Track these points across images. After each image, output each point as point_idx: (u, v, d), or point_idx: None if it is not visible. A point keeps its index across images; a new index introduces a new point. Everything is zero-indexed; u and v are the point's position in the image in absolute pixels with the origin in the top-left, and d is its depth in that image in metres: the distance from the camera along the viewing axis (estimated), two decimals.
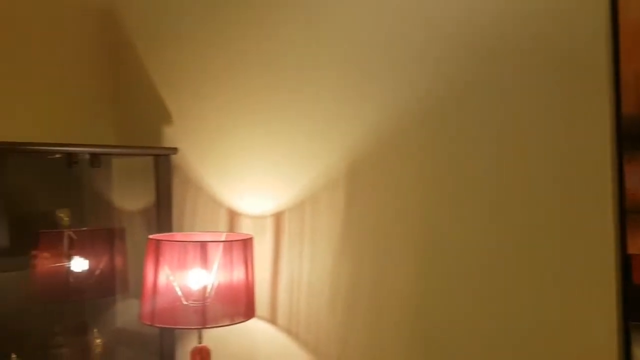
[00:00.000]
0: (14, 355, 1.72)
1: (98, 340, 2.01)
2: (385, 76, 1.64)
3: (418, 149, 1.59)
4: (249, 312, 1.69)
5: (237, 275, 1.66)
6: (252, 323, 1.80)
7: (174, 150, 2.07)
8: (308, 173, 1.78)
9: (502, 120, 1.47)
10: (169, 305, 1.64)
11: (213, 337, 1.81)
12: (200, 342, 1.73)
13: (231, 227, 1.96)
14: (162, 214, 2.03)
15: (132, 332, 2.12)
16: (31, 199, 2.01)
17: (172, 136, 2.12)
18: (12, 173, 1.87)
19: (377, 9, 1.65)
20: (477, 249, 1.51)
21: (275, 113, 1.85)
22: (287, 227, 1.83)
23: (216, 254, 1.64)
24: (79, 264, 2.00)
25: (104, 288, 2.08)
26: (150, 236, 1.71)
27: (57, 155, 1.82)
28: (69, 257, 1.99)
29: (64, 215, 1.99)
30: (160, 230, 2.00)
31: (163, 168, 2.05)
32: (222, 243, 1.68)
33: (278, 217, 1.85)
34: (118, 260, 2.09)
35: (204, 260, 1.63)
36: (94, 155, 1.87)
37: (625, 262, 1.35)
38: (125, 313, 2.15)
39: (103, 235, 2.10)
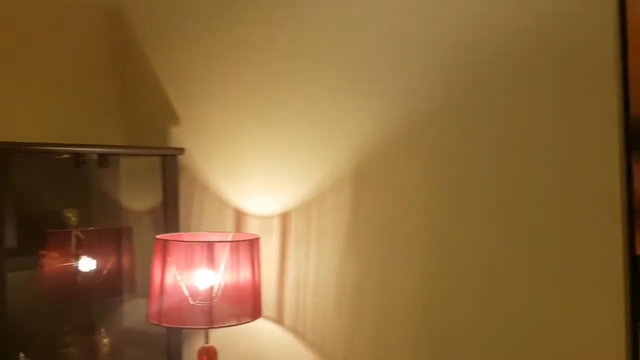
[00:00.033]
0: (22, 355, 1.73)
1: (105, 340, 2.02)
2: (391, 77, 1.64)
3: (424, 149, 1.59)
4: (255, 312, 1.70)
5: (244, 275, 1.66)
6: (259, 323, 1.81)
7: (181, 150, 2.07)
8: (314, 173, 1.78)
9: (507, 120, 1.46)
10: (176, 305, 1.64)
11: (220, 337, 1.81)
12: (207, 342, 1.73)
13: (238, 227, 1.96)
14: (169, 214, 2.04)
15: (140, 331, 2.13)
16: (39, 199, 2.01)
17: (179, 136, 2.12)
18: (20, 173, 1.88)
19: (384, 10, 1.65)
20: (483, 250, 1.50)
21: (282, 113, 1.85)
22: (293, 228, 1.83)
23: (223, 254, 1.64)
24: (86, 264, 2.01)
25: (112, 288, 2.08)
26: (158, 236, 1.72)
27: (65, 156, 1.83)
28: (76, 257, 1.99)
29: (71, 215, 2.00)
30: (167, 230, 2.01)
31: (170, 168, 2.05)
32: (229, 243, 1.68)
33: (285, 217, 1.85)
34: (125, 260, 2.09)
35: (211, 260, 1.63)
36: (101, 156, 1.88)
37: (633, 263, 1.34)
38: (133, 313, 2.16)
39: (111, 235, 2.11)
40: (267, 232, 1.88)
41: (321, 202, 1.77)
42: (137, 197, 2.20)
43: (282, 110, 1.85)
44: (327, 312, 1.76)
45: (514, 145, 1.46)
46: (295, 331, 1.83)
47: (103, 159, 1.88)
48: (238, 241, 1.69)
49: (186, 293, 1.64)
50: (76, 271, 1.99)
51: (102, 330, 2.03)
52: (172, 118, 2.14)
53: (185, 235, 1.88)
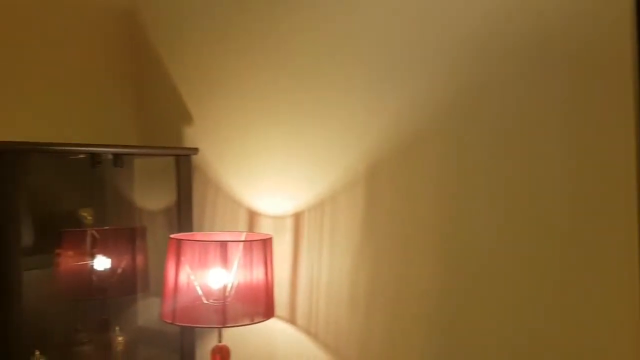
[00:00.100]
0: (37, 352, 1.75)
1: (120, 338, 2.03)
2: (403, 78, 1.64)
3: (436, 150, 1.59)
4: (268, 311, 1.70)
5: (257, 275, 1.67)
6: (272, 323, 1.81)
7: (195, 150, 2.08)
8: (327, 174, 1.79)
9: (521, 120, 1.46)
10: (189, 304, 1.65)
11: (233, 336, 1.82)
12: (220, 341, 1.74)
13: (251, 227, 1.97)
14: (183, 213, 2.05)
15: (153, 330, 2.14)
16: (55, 198, 2.03)
17: (192, 136, 2.14)
18: (37, 173, 1.90)
19: (395, 13, 1.65)
20: (495, 250, 1.50)
21: (295, 114, 1.86)
22: (306, 228, 1.84)
23: (236, 254, 1.65)
24: (101, 263, 2.02)
25: (126, 286, 2.10)
26: (172, 235, 1.73)
27: (81, 156, 1.85)
28: (91, 256, 2.01)
29: (87, 215, 2.01)
30: (181, 229, 2.02)
31: (184, 168, 2.06)
32: (242, 243, 1.69)
33: (297, 217, 1.86)
34: (139, 259, 2.11)
35: (224, 260, 1.64)
36: (116, 156, 1.90)
37: None
38: (147, 311, 2.17)
39: (125, 234, 2.12)
40: (280, 232, 1.88)
41: (334, 203, 1.78)
42: (151, 197, 2.22)
43: (296, 111, 1.86)
44: (340, 312, 1.76)
45: (529, 145, 1.45)
46: (307, 331, 1.83)
47: (118, 159, 1.90)
48: (251, 241, 1.70)
49: (200, 292, 1.65)
50: (91, 270, 2.01)
51: (117, 328, 2.04)
52: (186, 118, 2.15)
53: (198, 235, 1.89)
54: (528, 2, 1.44)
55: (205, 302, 1.65)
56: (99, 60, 2.23)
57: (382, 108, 1.68)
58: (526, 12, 1.44)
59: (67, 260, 1.99)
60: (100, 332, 2.05)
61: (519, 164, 1.46)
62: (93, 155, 1.83)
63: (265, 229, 1.92)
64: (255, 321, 1.68)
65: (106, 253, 2.03)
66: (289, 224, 1.88)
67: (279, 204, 1.90)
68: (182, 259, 1.65)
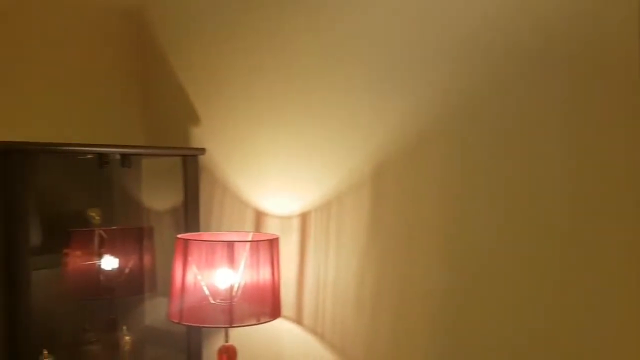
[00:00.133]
0: (45, 351, 1.76)
1: (127, 338, 2.03)
2: (409, 79, 1.63)
3: (441, 151, 1.58)
4: (275, 311, 1.70)
5: (264, 275, 1.67)
6: (278, 323, 1.81)
7: (202, 150, 2.09)
8: (334, 174, 1.79)
9: (523, 121, 1.45)
10: (196, 304, 1.66)
11: (239, 336, 1.82)
12: (226, 341, 1.74)
13: (258, 227, 1.97)
14: (190, 213, 2.06)
15: (160, 329, 2.15)
16: (63, 198, 2.04)
17: (199, 137, 2.14)
18: (45, 173, 1.91)
19: (400, 16, 1.65)
20: (502, 250, 1.49)
21: (301, 115, 1.86)
22: (313, 228, 1.84)
23: (243, 254, 1.65)
24: (109, 263, 2.03)
25: (133, 286, 2.11)
26: (179, 235, 1.74)
27: (89, 156, 1.86)
28: (99, 256, 2.02)
29: (95, 215, 2.02)
30: (188, 229, 2.03)
31: (191, 168, 2.07)
32: (248, 243, 1.69)
33: (304, 217, 1.86)
34: (147, 259, 2.11)
35: (231, 260, 1.64)
36: (124, 156, 1.91)
37: None
38: (154, 311, 2.18)
39: (132, 234, 2.13)
40: (287, 232, 1.89)
41: (340, 203, 1.78)
42: (158, 197, 2.22)
43: (302, 112, 1.86)
44: (347, 312, 1.76)
45: (527, 145, 1.45)
46: (314, 331, 1.83)
47: (126, 159, 1.91)
48: (258, 241, 1.70)
49: (206, 292, 1.65)
50: (99, 269, 2.02)
51: (124, 328, 2.05)
52: (193, 118, 2.16)
53: (205, 235, 1.89)
54: (529, 2, 1.43)
55: (212, 302, 1.66)
56: (106, 60, 2.24)
57: (387, 109, 1.67)
58: (528, 12, 1.43)
59: (75, 260, 2.00)
60: (107, 331, 2.06)
61: (521, 164, 1.46)
62: (101, 155, 1.84)
63: (272, 229, 1.93)
64: (262, 321, 1.68)
65: (114, 253, 2.04)
66: (295, 224, 1.88)
67: (286, 205, 1.90)
68: (189, 259, 1.65)
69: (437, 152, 1.59)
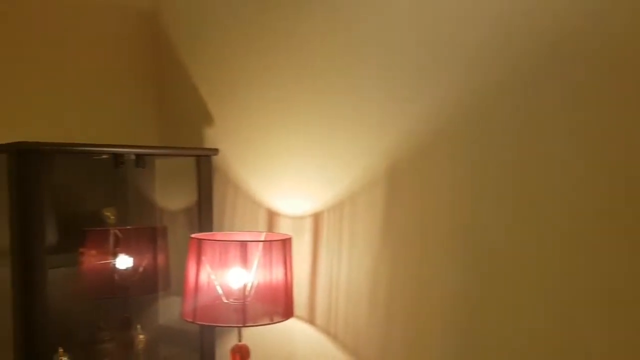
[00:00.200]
0: (60, 349, 1.78)
1: (141, 336, 2.05)
2: (422, 79, 1.63)
3: (456, 151, 1.58)
4: (287, 311, 1.71)
5: (276, 274, 1.67)
6: (291, 323, 1.82)
7: (215, 151, 2.10)
8: (347, 174, 1.79)
9: (538, 121, 1.44)
10: (209, 303, 1.67)
11: (252, 335, 1.83)
12: (239, 340, 1.75)
13: (270, 227, 1.98)
14: (203, 213, 2.07)
15: (174, 328, 2.16)
16: (79, 198, 2.07)
17: (213, 137, 2.16)
18: (61, 173, 1.93)
19: (415, 17, 1.64)
20: (516, 251, 1.48)
21: (315, 115, 1.86)
22: (325, 228, 1.84)
23: (256, 254, 1.66)
24: (123, 262, 2.05)
25: (147, 285, 2.12)
26: (192, 235, 1.75)
27: (105, 156, 1.88)
28: (114, 255, 2.04)
29: (110, 214, 2.04)
30: (201, 229, 2.04)
31: (204, 168, 2.08)
32: (261, 243, 1.70)
33: (317, 217, 1.86)
34: (161, 258, 2.13)
35: (244, 260, 1.65)
36: (139, 156, 1.92)
37: None
38: (168, 310, 2.20)
39: (147, 233, 2.15)
40: (300, 232, 1.89)
41: (353, 203, 1.78)
42: (172, 197, 2.24)
43: (316, 112, 1.86)
44: (360, 312, 1.76)
45: (540, 145, 1.43)
46: (327, 331, 1.84)
47: (140, 160, 1.92)
48: (271, 241, 1.71)
49: (220, 291, 1.66)
50: (114, 268, 2.04)
51: (138, 326, 2.07)
52: (207, 119, 2.17)
53: (219, 235, 1.90)
54: (541, 4, 1.42)
55: (225, 301, 1.67)
56: (121, 61, 2.26)
57: (401, 110, 1.67)
58: (540, 14, 1.42)
59: (90, 259, 2.02)
60: (122, 330, 2.07)
61: (533, 165, 1.44)
62: (116, 155, 1.85)
63: (284, 229, 1.93)
64: (275, 321, 1.69)
65: (128, 252, 2.05)
66: (308, 224, 1.88)
67: (299, 205, 1.91)
68: (203, 258, 1.66)
69: (450, 153, 1.59)
